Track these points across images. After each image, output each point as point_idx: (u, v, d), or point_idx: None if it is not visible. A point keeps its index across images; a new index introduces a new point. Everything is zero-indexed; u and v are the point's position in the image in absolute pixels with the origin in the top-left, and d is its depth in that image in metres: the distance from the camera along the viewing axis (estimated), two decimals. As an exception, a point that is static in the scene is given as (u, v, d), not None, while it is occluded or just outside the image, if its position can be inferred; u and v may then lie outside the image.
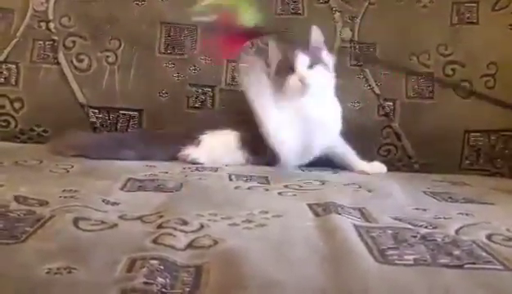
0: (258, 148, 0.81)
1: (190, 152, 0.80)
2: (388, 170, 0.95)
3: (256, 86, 0.82)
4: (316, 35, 0.84)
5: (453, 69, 0.98)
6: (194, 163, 0.78)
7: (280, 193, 0.63)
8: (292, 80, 0.80)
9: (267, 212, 0.52)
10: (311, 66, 0.81)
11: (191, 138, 0.81)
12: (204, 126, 0.82)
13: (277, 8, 0.99)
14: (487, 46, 0.98)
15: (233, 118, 0.83)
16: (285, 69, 0.81)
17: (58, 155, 0.78)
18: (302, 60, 0.80)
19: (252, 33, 0.79)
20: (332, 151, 0.85)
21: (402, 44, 0.98)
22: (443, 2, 0.99)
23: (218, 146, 0.81)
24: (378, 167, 0.87)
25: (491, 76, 0.97)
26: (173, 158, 0.80)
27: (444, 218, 0.56)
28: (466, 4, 0.99)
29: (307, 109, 0.81)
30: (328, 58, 0.84)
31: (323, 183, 0.71)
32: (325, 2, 0.99)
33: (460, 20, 0.99)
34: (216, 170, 0.76)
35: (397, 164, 0.97)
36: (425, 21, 0.99)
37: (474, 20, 0.99)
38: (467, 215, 0.58)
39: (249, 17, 0.74)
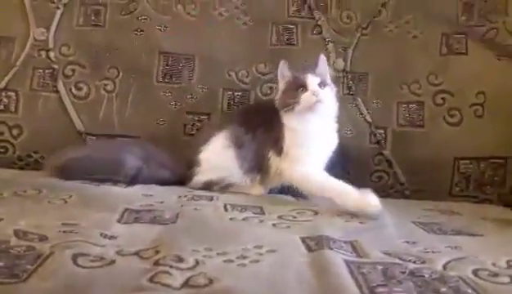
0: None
1: (196, 179, 0.84)
2: (380, 196, 0.96)
3: None
4: (323, 63, 0.89)
5: (443, 98, 1.01)
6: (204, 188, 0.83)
7: (274, 225, 0.65)
8: (306, 95, 0.84)
9: (261, 247, 0.54)
10: (320, 86, 0.85)
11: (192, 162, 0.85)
12: (199, 144, 0.86)
13: (272, 39, 1.02)
14: (475, 75, 1.01)
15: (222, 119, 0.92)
16: (295, 87, 0.85)
17: (54, 177, 0.81)
18: (313, 79, 0.85)
19: None
20: None
21: (394, 74, 1.01)
22: (433, 33, 1.03)
23: (215, 155, 0.84)
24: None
25: (479, 105, 1.00)
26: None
27: (432, 252, 0.58)
28: (455, 35, 1.02)
29: (313, 127, 0.84)
30: (333, 85, 0.90)
31: (316, 213, 0.73)
32: (319, 33, 1.02)
33: (450, 50, 1.02)
34: (211, 199, 0.77)
35: (388, 190, 0.99)
36: (416, 52, 1.02)
37: (463, 51, 1.02)
38: (455, 248, 0.60)
39: None
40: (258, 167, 0.85)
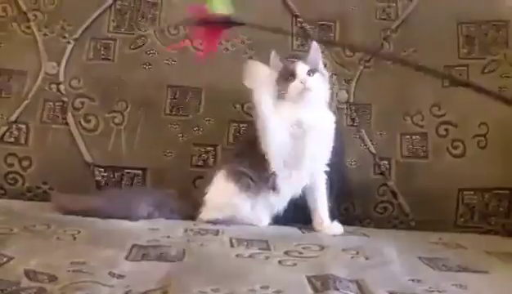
0: (254, 168, 0.86)
1: (200, 217, 0.86)
2: (385, 227, 0.99)
3: (263, 87, 0.86)
4: (315, 50, 0.91)
5: (446, 130, 1.02)
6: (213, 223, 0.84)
7: (280, 262, 0.65)
8: (294, 83, 0.86)
9: (267, 287, 0.55)
10: (310, 74, 0.87)
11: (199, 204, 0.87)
12: (204, 186, 0.88)
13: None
14: (477, 107, 1.01)
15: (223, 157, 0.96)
16: (286, 76, 0.87)
17: (61, 211, 0.83)
18: (302, 67, 0.88)
19: (227, 23, 0.80)
20: (311, 190, 0.89)
21: (397, 105, 1.03)
22: (435, 64, 1.03)
23: (217, 194, 0.86)
24: (335, 228, 0.87)
25: (482, 136, 1.01)
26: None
27: (438, 291, 0.58)
28: (457, 67, 1.04)
29: (303, 114, 0.86)
30: (324, 71, 0.92)
31: (322, 248, 0.73)
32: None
33: (452, 82, 1.04)
34: (217, 233, 0.78)
35: (394, 221, 1.00)
36: (418, 83, 1.03)
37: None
38: (460, 286, 0.60)
39: (221, 7, 0.76)
40: (264, 183, 0.86)
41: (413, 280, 0.61)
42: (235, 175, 0.86)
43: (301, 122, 0.86)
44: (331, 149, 0.90)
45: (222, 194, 0.86)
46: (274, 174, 0.86)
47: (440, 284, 0.60)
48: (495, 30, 1.06)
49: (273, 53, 0.90)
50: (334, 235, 0.85)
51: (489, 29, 1.06)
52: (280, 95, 0.87)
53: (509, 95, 0.99)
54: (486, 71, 1.04)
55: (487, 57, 1.04)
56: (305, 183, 0.88)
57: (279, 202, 0.88)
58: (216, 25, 0.71)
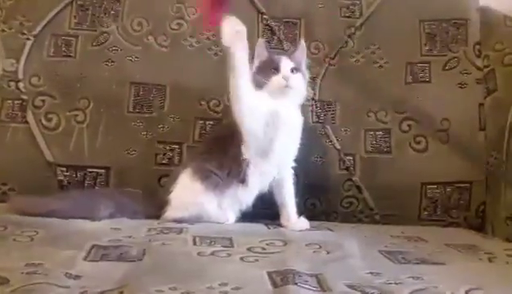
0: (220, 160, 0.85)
1: (164, 216, 0.85)
2: (351, 221, 1.00)
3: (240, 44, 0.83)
4: (301, 49, 0.93)
5: (409, 125, 1.04)
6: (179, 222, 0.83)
7: (242, 259, 0.65)
8: (277, 78, 0.87)
9: (226, 284, 0.55)
10: (293, 71, 0.88)
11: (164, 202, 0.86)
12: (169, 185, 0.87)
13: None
14: (439, 103, 1.04)
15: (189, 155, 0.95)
16: (268, 68, 0.88)
17: (19, 214, 0.80)
18: (286, 63, 0.88)
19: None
20: (279, 185, 0.89)
21: (361, 102, 1.04)
22: (398, 62, 1.06)
23: (183, 192, 0.85)
24: (301, 224, 0.88)
25: (444, 131, 1.03)
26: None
27: (395, 283, 0.59)
28: (419, 64, 1.06)
29: (279, 107, 0.86)
30: (306, 72, 0.93)
31: (285, 244, 0.74)
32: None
33: (414, 78, 1.06)
34: (180, 231, 0.78)
35: (359, 216, 1.01)
36: (382, 80, 1.05)
37: (427, 79, 1.06)
38: (417, 278, 0.61)
39: None
40: (232, 178, 0.85)
41: (372, 273, 0.63)
42: (202, 173, 0.85)
43: (277, 113, 0.86)
44: (298, 146, 0.90)
45: (188, 193, 0.85)
46: (245, 162, 0.85)
47: (397, 276, 0.61)
48: (455, 28, 1.08)
49: (260, 40, 0.91)
50: (301, 230, 0.86)
51: (450, 27, 1.08)
52: (259, 85, 0.86)
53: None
54: (447, 68, 1.06)
55: (448, 54, 1.07)
56: (273, 177, 0.88)
57: (246, 197, 0.88)
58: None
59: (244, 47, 0.82)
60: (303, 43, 0.93)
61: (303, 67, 0.92)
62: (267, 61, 0.89)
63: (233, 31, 0.81)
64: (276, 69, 0.87)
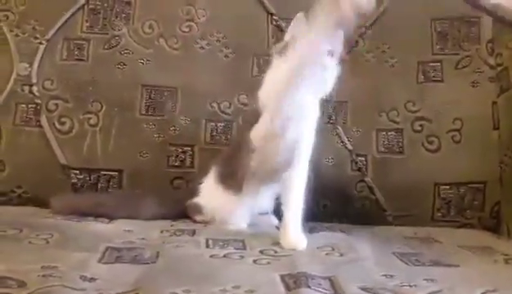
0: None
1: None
2: (364, 223, 0.99)
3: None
4: (339, 38, 0.81)
5: (421, 125, 1.03)
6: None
7: (254, 261, 0.65)
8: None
9: (239, 287, 0.55)
10: (330, 54, 0.79)
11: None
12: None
13: (253, 70, 1.04)
14: (451, 102, 1.03)
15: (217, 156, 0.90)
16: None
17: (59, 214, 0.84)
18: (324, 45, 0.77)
19: None
20: (286, 186, 0.79)
21: (373, 102, 1.03)
22: (409, 61, 1.05)
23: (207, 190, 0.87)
24: (297, 243, 0.74)
25: (457, 131, 1.02)
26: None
27: (409, 285, 0.59)
28: (431, 63, 1.05)
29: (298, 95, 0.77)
30: (337, 66, 0.81)
31: (297, 246, 0.74)
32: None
33: (426, 78, 1.05)
34: (193, 233, 0.78)
35: (372, 217, 1.00)
36: (393, 80, 1.04)
37: (439, 79, 1.05)
38: (431, 281, 0.61)
39: None
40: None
41: (385, 275, 0.62)
42: (221, 176, 0.85)
43: (296, 101, 0.77)
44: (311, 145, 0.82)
45: (210, 194, 0.86)
46: (250, 171, 0.81)
47: (412, 279, 0.61)
48: (467, 27, 1.07)
49: (299, 15, 0.81)
50: (294, 250, 0.73)
51: (461, 25, 1.07)
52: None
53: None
54: (459, 66, 1.05)
55: (460, 53, 1.06)
56: (284, 174, 0.79)
57: (260, 203, 0.87)
58: None
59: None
60: (340, 33, 0.80)
61: (337, 57, 0.81)
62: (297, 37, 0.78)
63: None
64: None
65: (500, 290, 0.58)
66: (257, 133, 0.79)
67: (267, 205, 0.89)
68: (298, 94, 0.77)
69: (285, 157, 0.79)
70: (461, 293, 0.57)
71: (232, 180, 0.83)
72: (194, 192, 0.88)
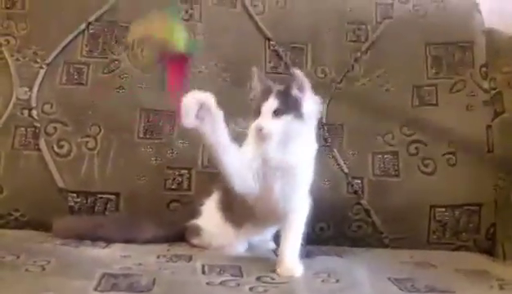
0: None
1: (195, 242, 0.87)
2: (360, 245, 1.00)
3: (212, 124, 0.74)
4: (298, 79, 0.77)
5: (416, 148, 1.04)
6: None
7: (251, 289, 0.66)
8: (253, 125, 0.76)
9: (234, 317, 0.55)
10: (278, 113, 0.75)
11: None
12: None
13: (251, 94, 1.04)
14: (446, 126, 1.05)
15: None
16: (256, 109, 0.77)
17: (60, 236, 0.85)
18: (269, 106, 0.75)
19: (188, 60, 0.76)
20: (286, 218, 0.78)
21: (368, 125, 1.05)
22: (405, 85, 1.07)
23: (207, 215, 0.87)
24: (293, 270, 0.74)
25: (452, 154, 1.03)
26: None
27: (404, 313, 0.59)
28: (426, 87, 1.07)
29: (268, 152, 0.76)
30: (309, 105, 0.78)
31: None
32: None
33: (421, 102, 1.06)
34: (190, 259, 0.78)
35: (368, 240, 1.01)
36: (388, 104, 1.06)
37: (434, 102, 1.06)
38: (427, 308, 0.61)
39: (184, 44, 0.73)
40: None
41: (380, 303, 0.63)
42: (221, 203, 0.86)
43: (265, 159, 0.76)
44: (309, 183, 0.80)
45: (210, 219, 0.86)
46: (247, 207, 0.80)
47: (406, 306, 0.61)
48: (461, 51, 1.09)
49: (253, 70, 0.82)
50: (291, 277, 0.73)
51: (456, 50, 1.09)
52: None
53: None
54: (454, 90, 1.07)
55: (455, 77, 1.08)
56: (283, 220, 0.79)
57: (258, 233, 0.88)
58: (179, 62, 0.72)
59: (214, 120, 0.73)
60: (296, 73, 0.77)
61: (303, 101, 0.77)
62: (259, 97, 0.78)
63: (195, 108, 0.72)
64: (258, 112, 0.76)
65: (494, 319, 0.58)
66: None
67: (267, 239, 0.90)
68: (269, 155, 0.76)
69: (279, 207, 0.78)
70: (456, 322, 0.57)
71: (232, 213, 0.84)
72: (193, 213, 0.89)
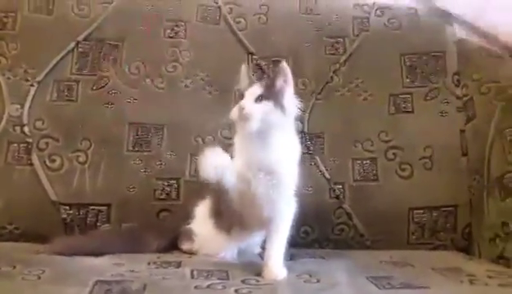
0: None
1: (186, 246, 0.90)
2: (343, 247, 1.04)
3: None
4: (284, 72, 0.80)
5: (394, 154, 1.09)
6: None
7: (236, 291, 0.69)
8: (234, 109, 0.78)
9: (219, 317, 0.59)
10: (259, 99, 0.77)
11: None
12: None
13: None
14: (422, 131, 1.10)
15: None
16: (241, 94, 0.79)
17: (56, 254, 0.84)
18: (253, 91, 0.78)
19: None
20: (271, 222, 0.80)
21: (347, 133, 1.10)
22: (381, 94, 1.12)
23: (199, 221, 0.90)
24: (277, 274, 0.77)
25: (428, 158, 1.08)
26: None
27: (378, 309, 0.64)
28: (401, 95, 1.13)
29: (249, 145, 0.79)
30: (290, 100, 0.80)
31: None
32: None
33: (397, 109, 1.12)
34: (179, 265, 0.82)
35: (350, 242, 1.05)
36: (367, 112, 1.11)
37: (410, 109, 1.12)
38: (400, 303, 0.66)
39: None
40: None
41: (357, 300, 0.67)
42: (212, 210, 0.89)
43: (248, 153, 0.78)
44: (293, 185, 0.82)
45: (202, 222, 0.89)
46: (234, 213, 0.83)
47: (381, 302, 0.66)
48: (434, 60, 1.15)
49: (243, 67, 0.84)
50: (275, 280, 0.75)
51: (429, 60, 1.15)
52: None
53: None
54: (428, 98, 1.13)
55: (429, 85, 1.13)
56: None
57: (247, 239, 0.90)
58: None
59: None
60: (283, 65, 0.80)
61: (285, 94, 0.79)
62: (241, 90, 0.81)
63: (213, 165, 0.76)
64: (241, 98, 0.78)
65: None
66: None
67: (255, 243, 0.93)
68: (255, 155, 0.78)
69: (265, 210, 0.80)
70: (426, 314, 0.62)
71: (222, 220, 0.87)
72: (187, 218, 0.91)
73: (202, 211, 0.91)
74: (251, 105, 0.77)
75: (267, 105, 0.78)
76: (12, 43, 1.08)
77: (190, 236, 0.90)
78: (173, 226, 0.94)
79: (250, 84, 0.81)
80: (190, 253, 0.90)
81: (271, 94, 0.78)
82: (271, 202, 0.80)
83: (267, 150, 0.79)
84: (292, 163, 0.82)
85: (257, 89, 0.78)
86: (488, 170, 1.02)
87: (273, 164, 0.79)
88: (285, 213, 0.81)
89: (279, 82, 0.80)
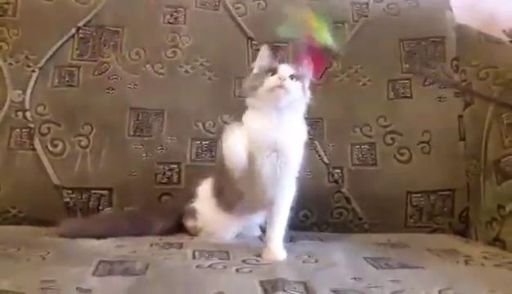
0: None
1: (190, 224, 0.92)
2: (342, 231, 1.06)
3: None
4: (307, 67, 0.83)
5: (392, 138, 1.10)
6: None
7: (237, 270, 0.71)
8: (273, 78, 0.79)
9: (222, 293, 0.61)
10: (292, 78, 0.80)
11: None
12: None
13: (236, 91, 1.10)
14: (420, 116, 1.11)
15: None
16: (267, 71, 0.80)
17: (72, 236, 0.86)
18: (286, 69, 0.80)
19: (328, 54, 0.85)
20: (273, 203, 0.82)
21: (347, 118, 1.11)
22: (380, 79, 1.13)
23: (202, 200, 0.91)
24: (277, 254, 0.79)
25: (426, 143, 1.09)
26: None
27: (376, 286, 0.65)
28: (400, 81, 1.13)
29: (264, 122, 0.79)
30: (306, 89, 0.84)
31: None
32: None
33: (396, 94, 1.13)
34: (181, 246, 0.83)
35: (349, 225, 1.07)
36: (366, 97, 1.12)
37: (408, 95, 1.13)
38: (396, 281, 0.67)
39: (327, 38, 0.81)
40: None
41: (355, 278, 0.69)
42: (214, 189, 0.90)
43: (264, 139, 0.78)
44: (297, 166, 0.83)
45: (205, 200, 0.91)
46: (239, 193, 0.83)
47: (378, 281, 0.67)
48: (433, 46, 1.15)
49: (264, 46, 0.85)
50: (275, 261, 0.77)
51: (428, 45, 1.15)
52: (253, 89, 0.80)
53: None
54: (426, 83, 1.13)
55: (427, 70, 1.14)
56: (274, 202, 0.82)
57: (248, 220, 0.92)
58: (320, 54, 0.78)
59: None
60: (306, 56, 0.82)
61: (306, 82, 0.83)
62: (267, 67, 0.81)
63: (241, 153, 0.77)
64: (273, 72, 0.80)
65: (454, 287, 0.64)
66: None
67: (256, 223, 0.94)
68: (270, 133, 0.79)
69: (269, 190, 0.81)
70: (421, 291, 0.64)
71: (224, 199, 0.88)
72: (190, 197, 0.93)
73: (205, 189, 0.92)
74: (290, 81, 0.79)
75: (298, 84, 0.81)
76: (13, 29, 1.09)
77: (193, 214, 0.92)
78: (177, 207, 0.95)
79: (274, 63, 0.82)
80: (194, 231, 0.92)
81: (298, 76, 0.81)
82: (276, 182, 0.81)
83: (281, 129, 0.80)
84: (300, 146, 0.84)
85: (289, 68, 0.81)
86: (485, 154, 1.03)
87: (284, 144, 0.80)
88: (286, 195, 0.83)
89: (305, 67, 0.83)
